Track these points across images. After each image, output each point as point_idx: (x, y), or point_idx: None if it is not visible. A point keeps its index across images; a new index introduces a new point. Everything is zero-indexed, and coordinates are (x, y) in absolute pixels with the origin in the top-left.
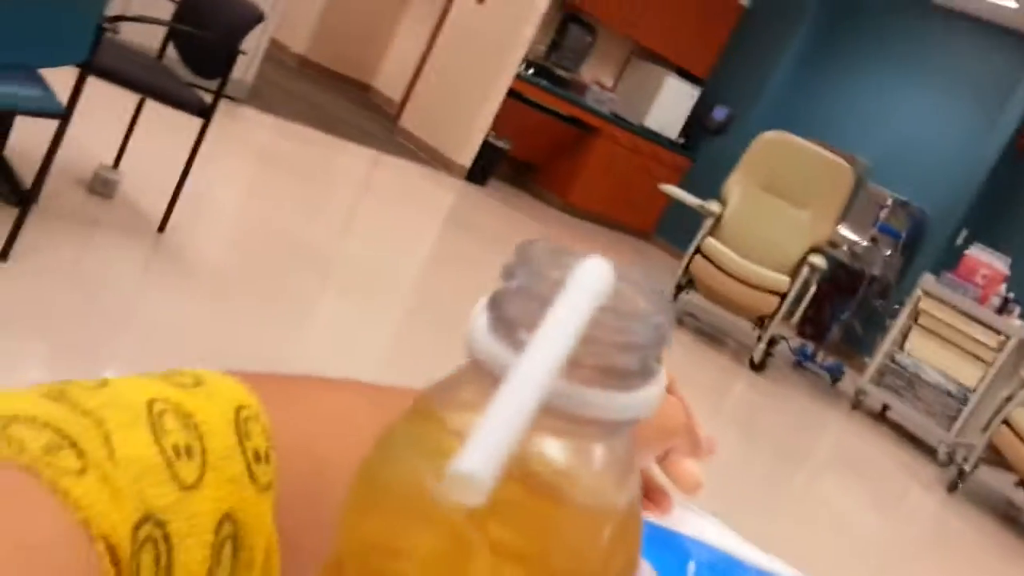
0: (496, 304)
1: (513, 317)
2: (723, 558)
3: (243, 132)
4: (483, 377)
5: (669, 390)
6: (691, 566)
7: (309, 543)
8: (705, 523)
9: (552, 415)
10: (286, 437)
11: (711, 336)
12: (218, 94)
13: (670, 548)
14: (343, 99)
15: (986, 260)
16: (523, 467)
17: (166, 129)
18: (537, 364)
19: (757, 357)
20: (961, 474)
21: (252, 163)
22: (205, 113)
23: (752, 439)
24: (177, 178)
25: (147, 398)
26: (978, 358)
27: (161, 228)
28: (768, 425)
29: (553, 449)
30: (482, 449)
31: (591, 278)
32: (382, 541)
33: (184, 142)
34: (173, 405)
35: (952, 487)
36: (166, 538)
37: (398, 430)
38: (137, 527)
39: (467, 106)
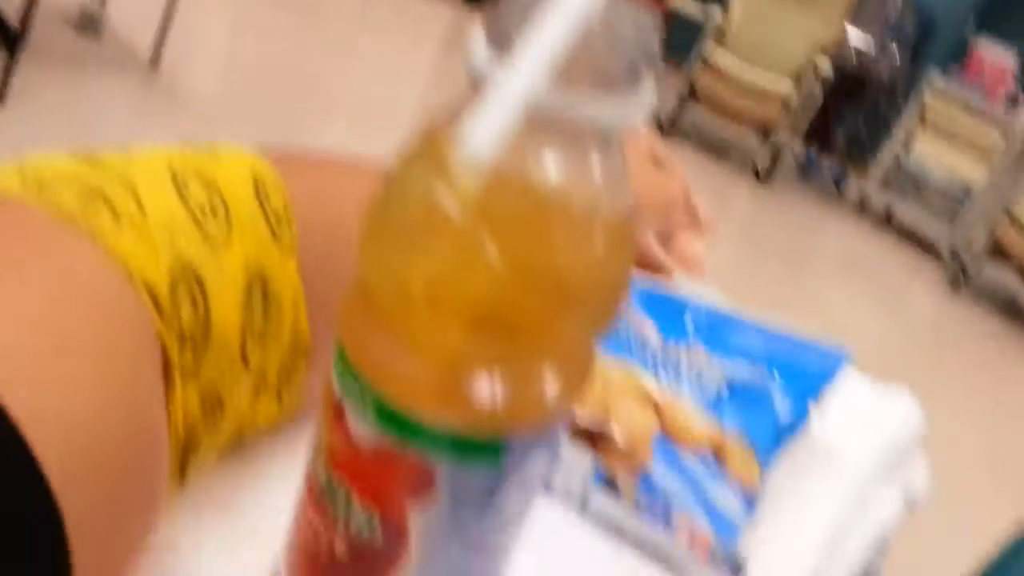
0: (489, 21)
1: (506, 30)
2: (719, 313)
3: None
4: (479, 89)
5: (668, 166)
6: (688, 319)
7: (332, 297)
8: (704, 291)
9: (545, 124)
10: (304, 200)
11: (715, 149)
12: None
13: (667, 303)
14: None
15: (993, 55)
16: (522, 178)
17: None
18: (535, 51)
19: (762, 167)
20: (965, 272)
21: None
22: None
23: (757, 247)
24: (163, 10)
25: (169, 165)
26: (984, 156)
27: (153, 63)
28: (773, 233)
29: (549, 159)
30: (483, 125)
31: None
32: (399, 260)
33: None
34: (194, 171)
35: (955, 285)
36: (201, 288)
37: (405, 154)
38: (174, 276)
39: None
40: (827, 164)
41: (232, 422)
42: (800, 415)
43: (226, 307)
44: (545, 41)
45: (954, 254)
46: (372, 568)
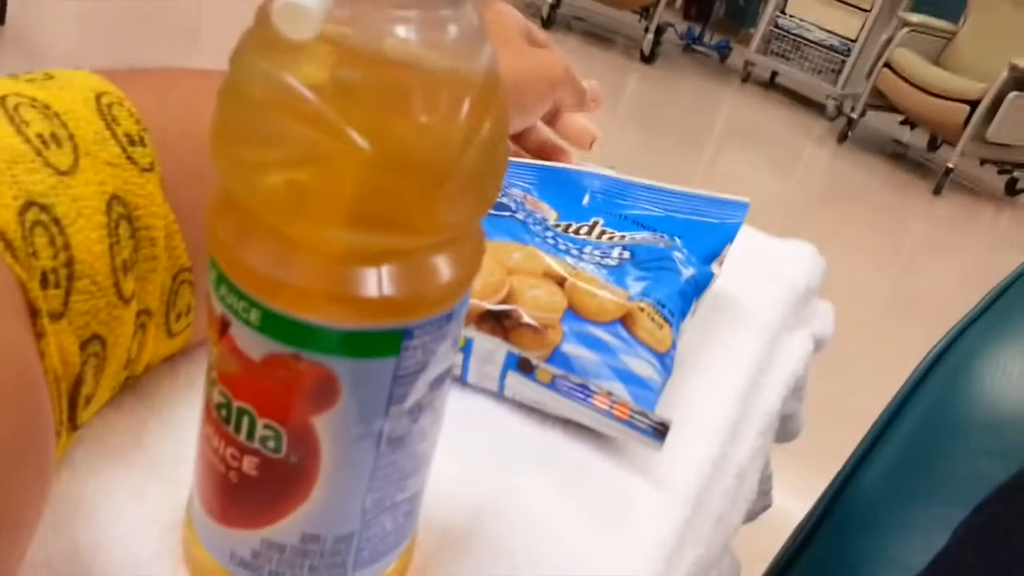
0: None
1: None
2: (616, 182)
3: None
4: None
5: (546, 46)
6: (586, 196)
7: (201, 213)
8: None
9: None
10: (158, 119)
11: (599, 36)
12: None
13: (564, 183)
14: None
15: None
16: (374, 46)
17: None
18: None
19: (647, 48)
20: (850, 123)
21: None
22: None
23: (650, 128)
24: None
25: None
26: (856, 7)
27: (0, 21)
28: (665, 112)
29: (402, 25)
30: None
31: None
32: (256, 157)
33: None
34: (27, 99)
35: (842, 137)
36: (56, 221)
37: (244, 44)
38: (22, 213)
39: None
40: (709, 36)
41: (118, 360)
42: (705, 274)
43: (87, 239)
44: None
45: (838, 108)
46: (285, 482)
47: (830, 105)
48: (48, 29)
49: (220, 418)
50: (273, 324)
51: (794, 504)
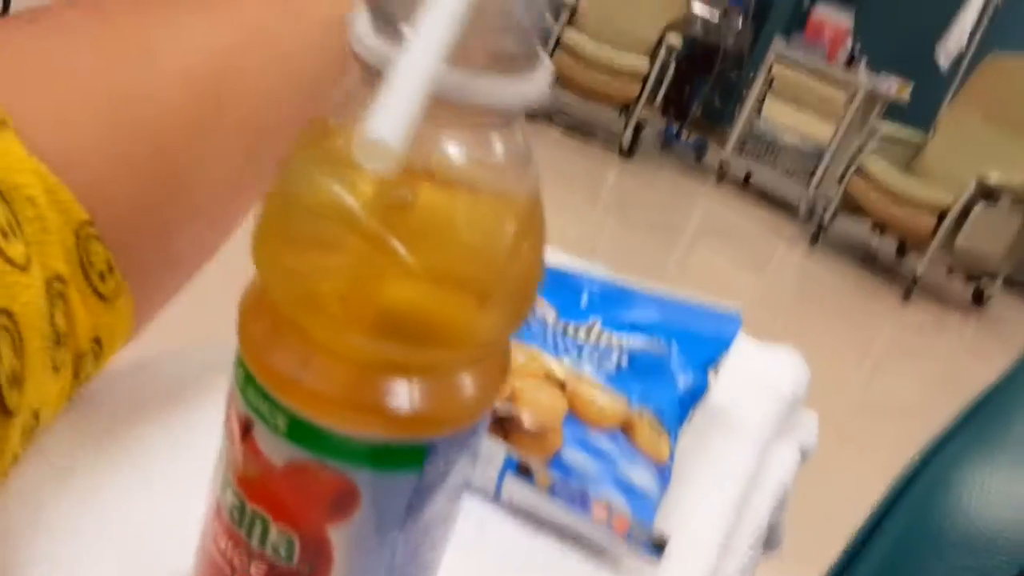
0: (378, 5)
1: (393, 11)
2: (614, 287)
3: None
4: (371, 78)
5: None
6: (584, 296)
7: (82, 154)
8: (593, 266)
9: (446, 108)
10: (2, 65)
11: (580, 130)
12: None
13: (562, 282)
14: None
15: (831, 17)
16: (424, 165)
17: None
18: (431, 32)
19: (626, 143)
20: (821, 226)
21: None
22: None
23: (628, 220)
24: None
25: None
26: (830, 114)
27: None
28: (642, 206)
29: (451, 144)
30: (388, 112)
31: None
32: (301, 263)
33: None
34: None
35: (814, 239)
36: None
37: (297, 153)
38: None
39: None
40: (686, 134)
41: (39, 332)
42: (701, 383)
43: None
44: (440, 20)
45: (810, 211)
46: None
47: (802, 207)
48: None
49: (232, 520)
50: (300, 431)
51: None
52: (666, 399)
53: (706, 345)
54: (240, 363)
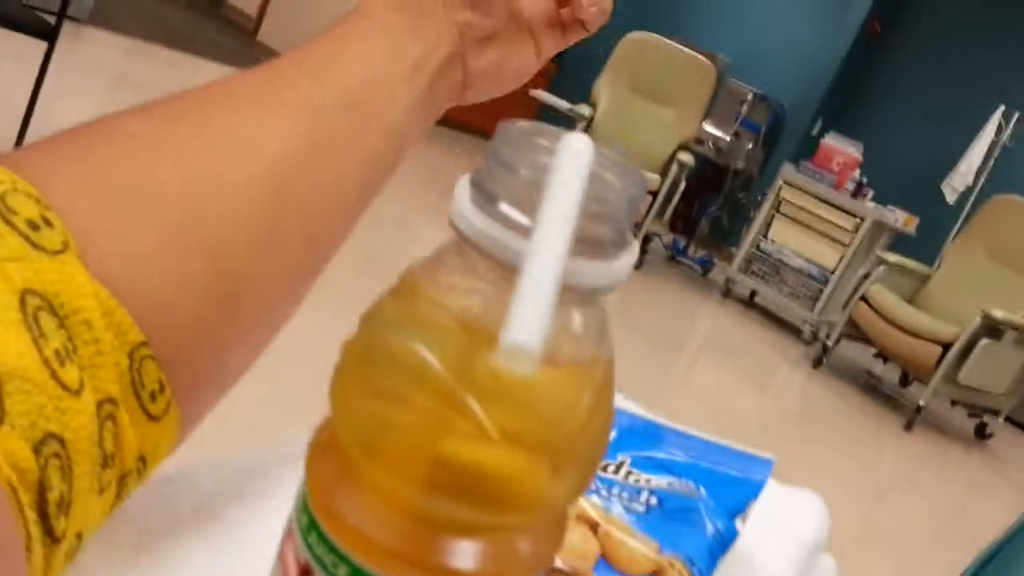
0: (482, 183)
1: (502, 195)
2: (642, 422)
3: (90, 54)
4: (469, 252)
5: None
6: (612, 433)
7: (143, 276)
8: (621, 400)
9: None
10: (64, 190)
11: None
12: (60, 15)
13: None
14: (194, 14)
15: (840, 147)
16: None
17: (8, 56)
18: (555, 235)
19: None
20: (825, 350)
21: (104, 87)
22: (49, 36)
23: (632, 331)
24: (24, 109)
25: None
26: (836, 241)
27: None
28: (646, 318)
29: None
30: (527, 320)
31: (576, 153)
32: (374, 411)
33: (29, 69)
34: None
35: (817, 363)
36: None
37: (385, 308)
38: None
39: (328, 18)
40: (693, 250)
41: (88, 457)
42: (730, 531)
43: (2, 342)
44: (565, 216)
45: (814, 334)
46: None
47: (806, 330)
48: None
49: None
50: None
51: None
52: (696, 547)
53: (736, 490)
54: (304, 507)
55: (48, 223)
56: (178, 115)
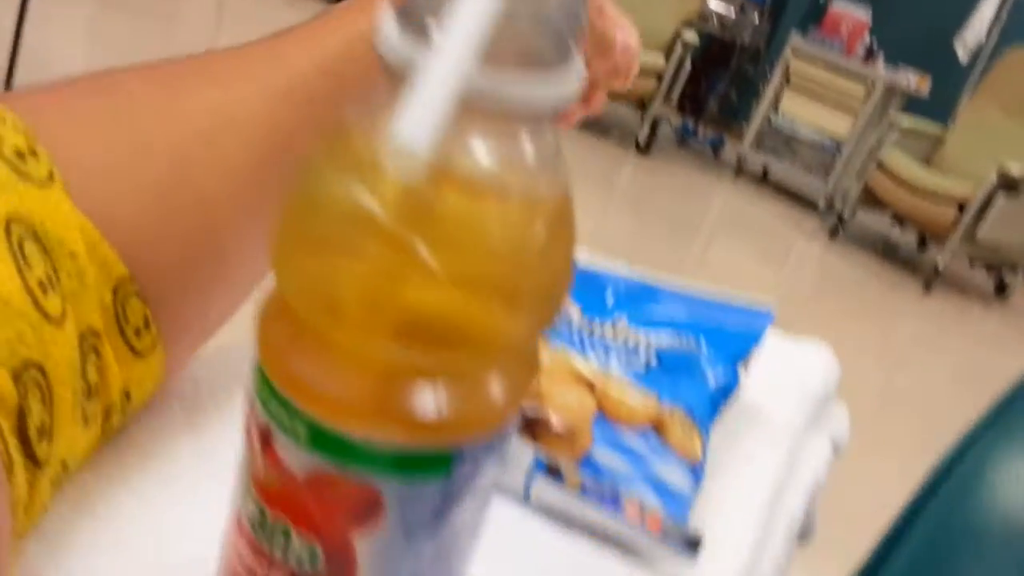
0: (406, 6)
1: (419, 11)
2: (638, 284)
3: None
4: (397, 81)
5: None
6: (609, 293)
7: (138, 218)
8: (613, 264)
9: (474, 110)
10: (52, 126)
11: (596, 126)
12: None
13: (586, 280)
14: None
15: (848, 11)
16: (451, 168)
17: None
18: (461, 32)
19: (642, 140)
20: (841, 220)
21: (89, 7)
22: None
23: (645, 216)
24: (12, 36)
25: None
26: (848, 109)
27: (7, 88)
28: (659, 203)
29: (479, 146)
30: (416, 116)
31: None
32: (323, 268)
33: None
34: None
35: (833, 233)
36: None
37: (317, 155)
38: None
39: None
40: (703, 130)
41: (70, 387)
42: (731, 380)
43: None
44: (471, 20)
45: (829, 205)
46: None
47: (821, 202)
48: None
49: (253, 531)
50: (322, 440)
51: None
52: (697, 397)
53: (736, 341)
54: (258, 371)
55: (34, 154)
56: (177, 82)
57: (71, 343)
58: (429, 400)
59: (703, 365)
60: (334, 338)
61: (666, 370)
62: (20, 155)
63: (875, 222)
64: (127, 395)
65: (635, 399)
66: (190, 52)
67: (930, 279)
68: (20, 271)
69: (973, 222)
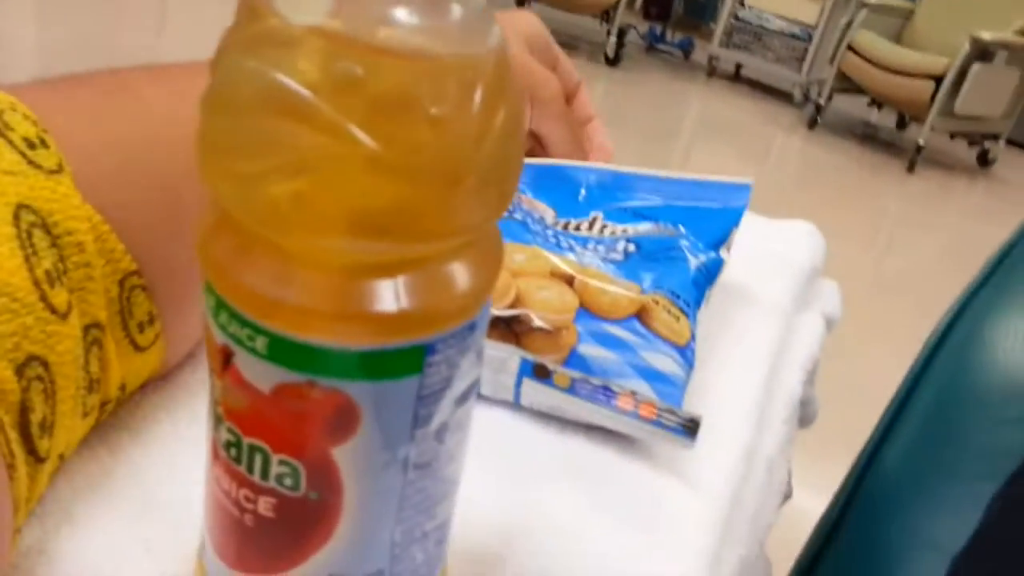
0: None
1: None
2: (611, 174)
3: None
4: None
5: (553, 67)
6: (582, 191)
7: (144, 215)
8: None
9: None
10: (62, 119)
11: (562, 43)
12: None
13: (557, 180)
14: None
15: None
16: (373, 36)
17: None
18: None
19: (611, 52)
20: (818, 109)
21: None
22: None
23: (622, 129)
24: None
25: None
26: None
27: None
28: (634, 112)
29: (400, 9)
30: None
31: None
32: (252, 168)
33: None
34: None
35: (812, 123)
36: None
37: (227, 44)
38: None
39: None
40: (671, 34)
41: (73, 380)
42: (715, 261)
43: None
44: None
45: (805, 95)
46: (305, 521)
47: (796, 92)
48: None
49: (230, 458)
50: (282, 350)
51: (808, 493)
52: (679, 281)
53: (715, 220)
54: (209, 290)
55: (44, 144)
56: (187, 86)
57: (75, 337)
58: (389, 294)
59: (683, 248)
60: (278, 241)
61: (645, 257)
62: (30, 144)
63: (853, 107)
64: (123, 388)
65: (616, 290)
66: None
67: (913, 158)
68: (28, 261)
69: (950, 95)
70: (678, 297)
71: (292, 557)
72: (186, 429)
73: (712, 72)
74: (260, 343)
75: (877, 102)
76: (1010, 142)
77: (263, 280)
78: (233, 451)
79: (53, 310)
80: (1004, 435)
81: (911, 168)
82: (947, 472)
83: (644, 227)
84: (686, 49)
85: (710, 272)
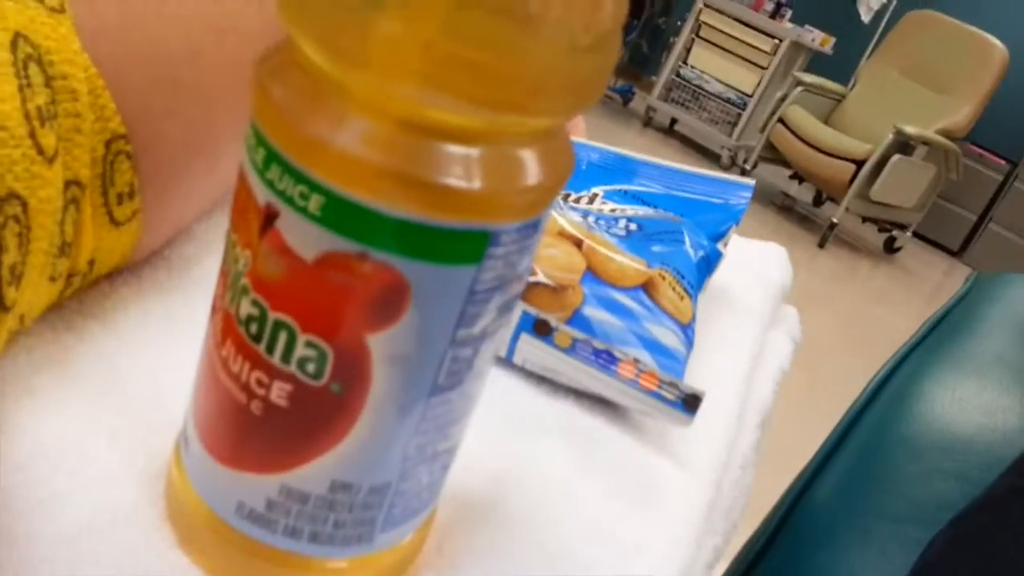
0: None
1: None
2: (614, 155)
3: None
4: None
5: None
6: (583, 165)
7: (135, 75)
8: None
9: None
10: None
11: None
12: None
13: None
14: None
15: None
16: None
17: None
18: None
19: None
20: (743, 173)
21: None
22: None
23: None
24: None
25: None
26: (755, 64)
27: None
28: None
29: None
30: None
31: None
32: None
33: None
34: None
35: None
36: None
37: None
38: None
39: None
40: (613, 79)
41: (47, 233)
42: (714, 252)
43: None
44: None
45: (732, 159)
46: (320, 416)
47: (724, 155)
48: None
49: (248, 335)
50: (338, 213)
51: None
52: (683, 262)
53: (714, 215)
54: (259, 142)
55: None
56: None
57: (57, 187)
58: (460, 165)
59: (685, 235)
60: (354, 86)
61: (648, 237)
62: None
63: (775, 177)
64: (91, 263)
65: (624, 259)
66: None
67: (825, 235)
68: (22, 91)
69: (868, 180)
70: (683, 277)
71: (296, 456)
72: (158, 322)
73: (647, 122)
74: (314, 202)
75: (799, 176)
76: (916, 234)
77: (328, 130)
78: (254, 326)
79: (40, 150)
80: (936, 485)
81: (822, 244)
82: (877, 512)
83: (644, 211)
84: (626, 95)
85: (710, 261)
